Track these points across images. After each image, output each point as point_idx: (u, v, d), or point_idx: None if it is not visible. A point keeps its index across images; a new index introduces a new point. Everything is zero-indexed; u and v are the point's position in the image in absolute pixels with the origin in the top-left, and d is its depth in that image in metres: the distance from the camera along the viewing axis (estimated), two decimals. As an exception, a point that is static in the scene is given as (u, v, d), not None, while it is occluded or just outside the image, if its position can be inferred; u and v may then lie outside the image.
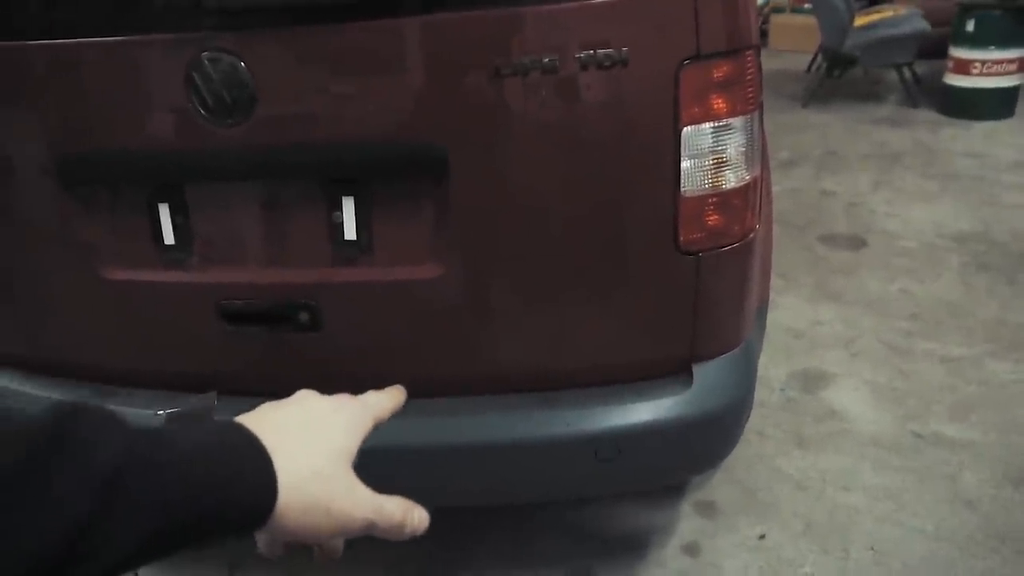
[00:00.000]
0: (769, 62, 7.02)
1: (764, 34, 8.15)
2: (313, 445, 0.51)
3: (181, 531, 0.43)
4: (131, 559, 0.40)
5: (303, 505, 0.49)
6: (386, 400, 0.62)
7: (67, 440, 0.39)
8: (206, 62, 1.21)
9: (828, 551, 1.93)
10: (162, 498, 0.41)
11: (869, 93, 6.16)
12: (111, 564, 0.39)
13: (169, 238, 1.38)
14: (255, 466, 0.47)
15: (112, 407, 0.45)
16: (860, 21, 5.83)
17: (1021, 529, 1.95)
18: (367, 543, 1.90)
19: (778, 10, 8.51)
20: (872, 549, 1.92)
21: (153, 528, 0.41)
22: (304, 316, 1.37)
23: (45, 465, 0.38)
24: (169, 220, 1.38)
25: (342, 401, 0.57)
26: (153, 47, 1.25)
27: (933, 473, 2.15)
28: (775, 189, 1.82)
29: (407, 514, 0.55)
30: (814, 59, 6.21)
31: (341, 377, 1.49)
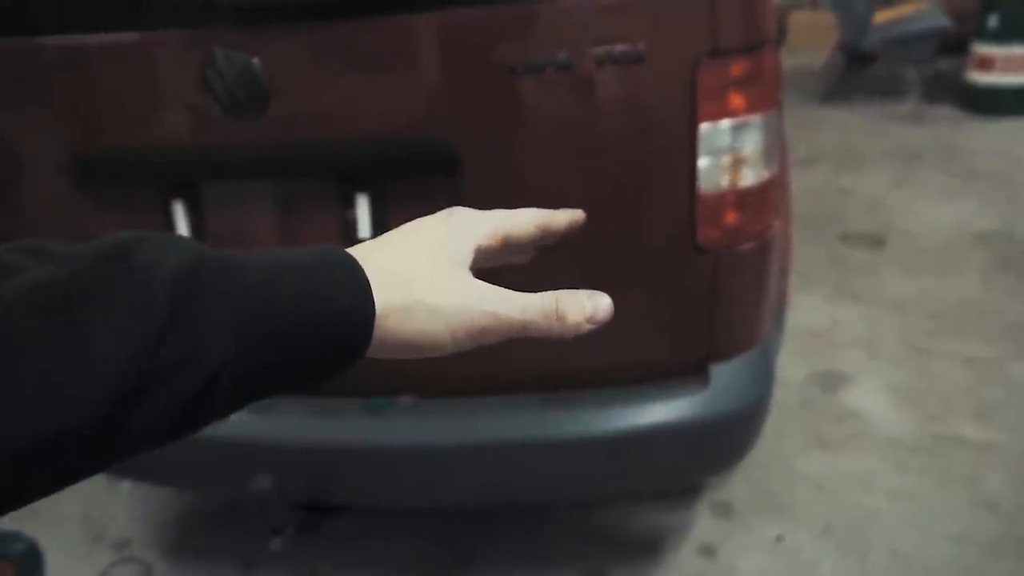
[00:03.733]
0: (788, 59, 6.97)
1: (783, 32, 8.09)
2: (410, 252, 0.44)
3: (269, 351, 0.37)
4: (215, 383, 0.35)
5: (405, 309, 0.42)
6: (523, 216, 0.50)
7: (133, 252, 0.35)
8: (220, 59, 1.21)
9: (847, 553, 1.90)
10: (239, 307, 0.36)
11: (889, 90, 6.09)
12: (198, 385, 0.35)
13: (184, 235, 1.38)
14: (346, 276, 0.41)
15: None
16: (880, 18, 5.77)
17: (1044, 533, 1.92)
18: (381, 538, 1.87)
19: (797, 6, 8.45)
20: (892, 551, 1.90)
21: (235, 340, 0.36)
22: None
23: (116, 277, 0.34)
24: (184, 218, 1.38)
25: (447, 211, 0.49)
26: (166, 45, 1.25)
27: (954, 475, 2.12)
28: (793, 187, 1.80)
29: (563, 299, 0.45)
30: (832, 57, 6.16)
31: (353, 375, 1.49)
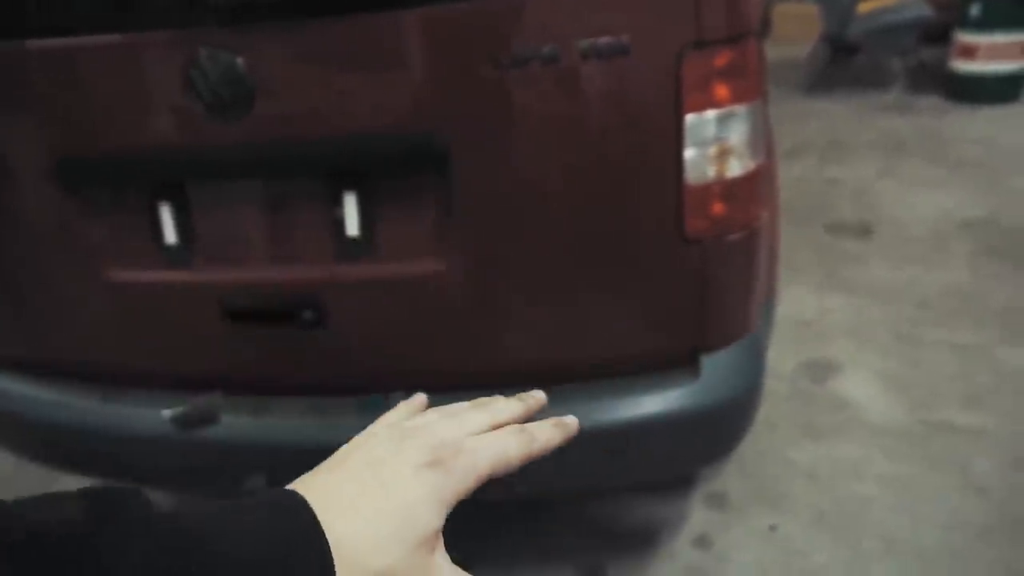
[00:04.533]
0: (773, 51, 6.99)
1: (768, 23, 8.10)
2: (383, 531, 0.42)
3: None
4: None
5: None
6: (507, 440, 0.48)
7: (97, 550, 0.34)
8: (203, 59, 1.21)
9: (840, 541, 1.91)
10: None
11: (873, 80, 6.12)
12: None
13: (171, 237, 1.38)
14: (315, 567, 0.39)
15: (150, 496, 0.40)
16: (863, 8, 5.80)
17: (1034, 516, 1.93)
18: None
19: (781, -1, 8.47)
20: (884, 538, 1.91)
21: None
22: (308, 314, 1.37)
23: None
24: (171, 219, 1.37)
25: (429, 457, 0.45)
26: (149, 45, 1.24)
27: (944, 461, 2.14)
28: (780, 178, 1.81)
29: None
30: (816, 48, 6.18)
31: (346, 374, 1.49)
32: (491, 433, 0.49)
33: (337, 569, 0.39)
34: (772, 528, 1.97)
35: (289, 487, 0.43)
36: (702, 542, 1.95)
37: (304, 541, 0.39)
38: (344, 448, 0.48)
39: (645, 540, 1.98)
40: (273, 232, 1.37)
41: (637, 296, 1.35)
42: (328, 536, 0.40)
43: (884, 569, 1.83)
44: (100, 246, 1.41)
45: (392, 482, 0.44)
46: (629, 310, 1.36)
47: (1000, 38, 5.17)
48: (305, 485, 0.43)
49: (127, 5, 1.24)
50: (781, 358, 2.60)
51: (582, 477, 1.50)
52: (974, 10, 5.19)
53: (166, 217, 1.37)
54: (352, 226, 1.31)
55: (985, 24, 5.19)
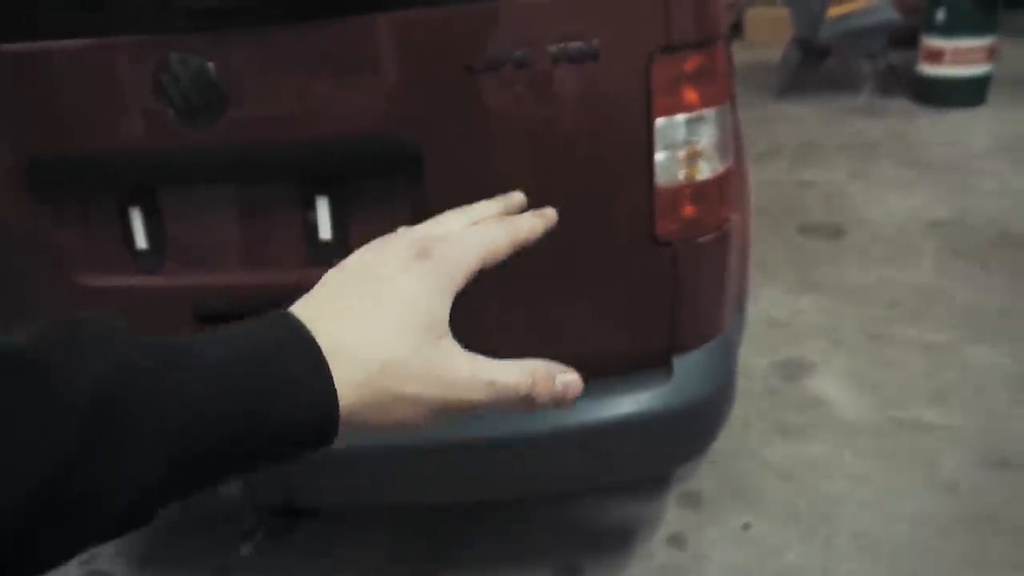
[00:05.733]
0: (745, 55, 7.07)
1: (739, 27, 8.18)
2: (381, 325, 0.39)
3: (213, 461, 0.34)
4: (148, 499, 0.33)
5: (377, 403, 0.38)
6: (491, 228, 0.46)
7: (48, 366, 0.32)
8: (174, 63, 1.20)
9: (811, 538, 1.94)
10: (175, 426, 0.33)
11: (843, 83, 6.20)
12: (118, 507, 0.32)
13: (142, 242, 1.37)
14: (304, 369, 0.36)
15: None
16: (833, 12, 5.87)
17: (999, 511, 1.97)
18: (357, 539, 1.87)
19: (752, 2, 8.56)
20: (855, 535, 1.94)
21: (168, 461, 0.33)
22: (281, 318, 1.36)
23: (17, 399, 0.30)
24: (142, 224, 1.36)
25: (415, 250, 0.43)
26: (120, 50, 1.24)
27: (913, 458, 2.17)
28: (752, 180, 1.83)
29: (537, 383, 0.42)
30: (788, 51, 6.25)
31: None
32: (475, 226, 0.47)
33: (339, 369, 0.37)
34: (745, 527, 1.99)
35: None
36: (677, 541, 1.97)
37: (291, 343, 0.37)
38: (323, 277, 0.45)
39: (621, 540, 1.99)
40: (245, 236, 1.37)
41: (609, 298, 1.36)
42: (323, 341, 0.37)
43: (855, 565, 1.86)
44: (71, 251, 1.40)
45: (382, 280, 0.41)
46: (601, 312, 1.37)
47: (965, 43, 5.26)
48: (289, 309, 0.40)
49: (97, 9, 1.24)
50: (754, 358, 2.63)
51: (557, 478, 1.51)
52: (939, 15, 5.28)
53: (137, 222, 1.36)
54: (325, 229, 1.32)
55: (950, 29, 5.28)
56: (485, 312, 1.37)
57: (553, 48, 1.17)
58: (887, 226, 3.67)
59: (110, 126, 1.29)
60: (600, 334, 1.39)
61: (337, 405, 0.37)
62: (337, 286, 0.42)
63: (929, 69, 5.45)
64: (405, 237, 0.44)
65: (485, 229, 0.46)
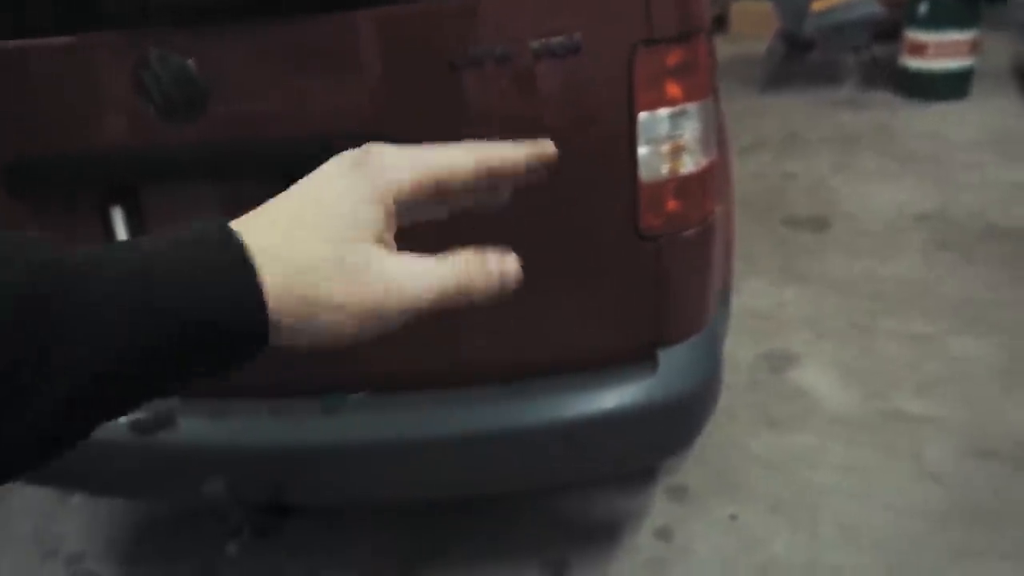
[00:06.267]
0: (730, 48, 7.08)
1: (724, 20, 8.20)
2: (307, 228, 0.39)
3: (141, 367, 0.34)
4: (75, 407, 0.33)
5: (302, 309, 0.37)
6: (461, 154, 0.43)
7: None
8: (154, 61, 1.19)
9: (797, 529, 1.95)
10: (97, 329, 0.32)
11: (828, 76, 6.22)
12: (46, 414, 0.32)
13: (124, 241, 1.36)
14: (229, 270, 0.36)
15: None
16: (817, 6, 5.89)
17: (984, 501, 1.99)
18: (346, 536, 1.86)
19: (737, -4, 8.57)
20: (840, 525, 1.95)
21: (93, 368, 0.32)
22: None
23: None
24: (123, 223, 1.35)
25: (354, 158, 0.42)
26: (99, 47, 1.23)
27: (899, 449, 2.19)
28: (737, 173, 1.84)
29: (470, 274, 0.42)
30: (772, 45, 6.27)
31: (305, 376, 1.49)
32: (437, 148, 0.44)
33: (267, 270, 0.37)
34: (732, 518, 2.00)
35: None
36: (664, 534, 1.98)
37: (218, 241, 0.37)
38: None
39: (608, 533, 2.00)
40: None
41: (594, 292, 1.36)
42: (249, 244, 0.37)
43: (841, 556, 1.87)
44: (51, 250, 1.39)
45: (311, 189, 0.41)
46: (586, 307, 1.37)
47: (947, 36, 5.29)
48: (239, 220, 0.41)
49: (76, 6, 1.22)
50: (740, 349, 2.64)
51: (543, 472, 1.52)
52: (922, 9, 5.30)
53: (119, 221, 1.35)
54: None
55: (933, 22, 5.30)
56: (471, 310, 1.37)
57: (535, 43, 1.16)
58: (871, 218, 3.69)
59: (90, 124, 1.28)
60: (585, 328, 1.39)
61: (264, 300, 0.36)
62: (275, 200, 0.42)
63: (912, 62, 5.48)
64: (350, 150, 0.43)
65: (443, 150, 0.43)
